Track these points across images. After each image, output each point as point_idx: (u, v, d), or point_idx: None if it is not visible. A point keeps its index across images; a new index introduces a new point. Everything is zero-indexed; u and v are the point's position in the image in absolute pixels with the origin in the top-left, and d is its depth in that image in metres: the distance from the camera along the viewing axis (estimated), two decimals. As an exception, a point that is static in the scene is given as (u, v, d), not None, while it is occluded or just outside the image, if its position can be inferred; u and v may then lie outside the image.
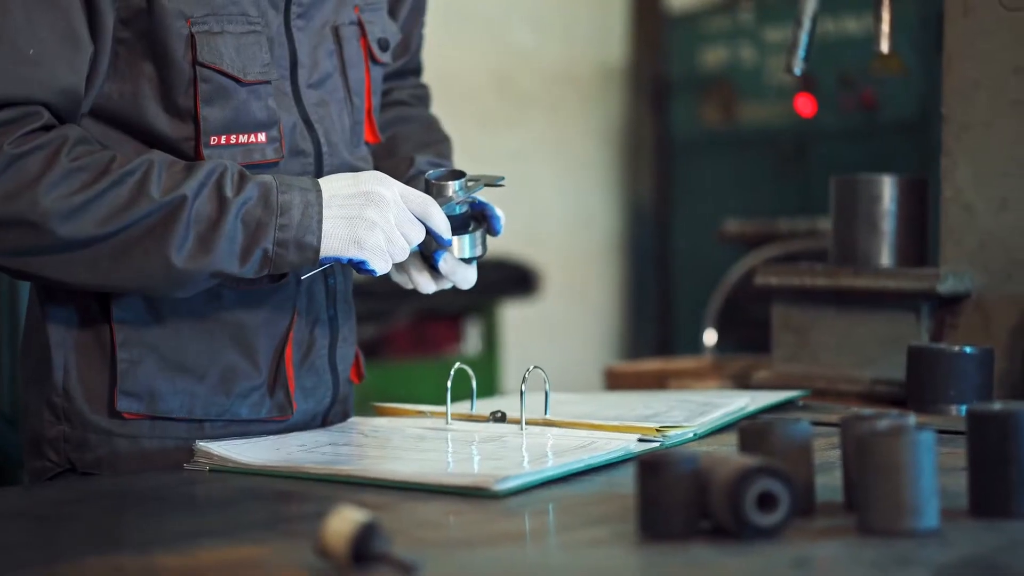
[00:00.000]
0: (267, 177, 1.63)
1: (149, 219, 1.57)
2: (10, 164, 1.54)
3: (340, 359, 1.84)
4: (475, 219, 1.78)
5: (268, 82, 1.70)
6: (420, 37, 2.04)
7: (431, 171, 1.78)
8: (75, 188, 1.55)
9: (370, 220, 1.64)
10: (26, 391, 1.75)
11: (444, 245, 1.73)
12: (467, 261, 1.78)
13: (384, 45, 1.86)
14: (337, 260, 1.66)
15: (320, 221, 1.62)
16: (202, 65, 1.66)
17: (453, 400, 1.79)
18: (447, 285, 1.81)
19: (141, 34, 1.64)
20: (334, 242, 1.64)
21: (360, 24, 1.83)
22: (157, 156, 1.61)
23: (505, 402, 1.90)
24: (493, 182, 1.75)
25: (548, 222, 5.73)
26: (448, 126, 2.04)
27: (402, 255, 1.68)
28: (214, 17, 1.66)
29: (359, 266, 1.67)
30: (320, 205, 1.63)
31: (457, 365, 1.76)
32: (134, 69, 1.66)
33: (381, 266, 1.67)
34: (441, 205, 1.70)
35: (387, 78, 1.96)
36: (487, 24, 5.44)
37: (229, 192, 1.60)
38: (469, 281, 1.78)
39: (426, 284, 1.79)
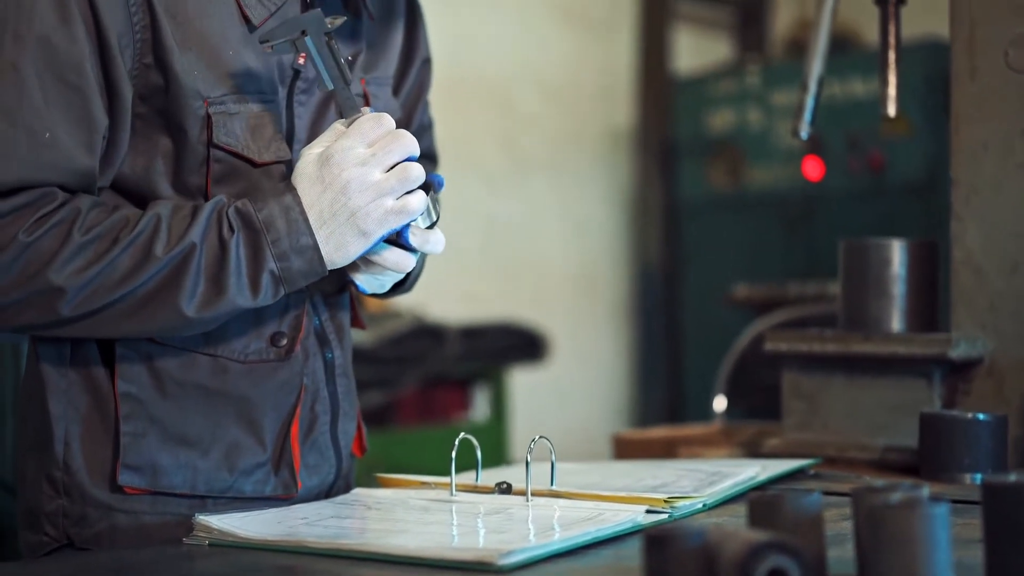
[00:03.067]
0: (243, 202, 1.61)
1: (157, 277, 1.57)
2: (24, 251, 1.54)
3: (342, 434, 1.82)
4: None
5: (281, 162, 1.69)
6: (428, 120, 2.02)
7: None
8: (89, 260, 1.55)
9: (364, 211, 1.61)
10: (23, 462, 1.73)
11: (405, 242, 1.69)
12: (429, 228, 1.73)
13: None
14: (371, 250, 1.64)
15: (306, 219, 1.60)
16: (216, 147, 1.65)
17: (459, 469, 1.76)
18: (418, 256, 1.74)
19: (158, 110, 1.64)
20: (352, 249, 1.62)
21: (365, 96, 1.82)
22: (164, 209, 1.60)
23: (511, 472, 1.88)
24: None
25: (555, 285, 5.72)
26: (455, 189, 2.02)
27: (417, 188, 1.63)
28: (231, 97, 1.66)
29: (396, 235, 1.65)
30: (300, 205, 1.60)
31: (461, 436, 1.73)
32: (149, 143, 1.65)
33: (402, 219, 1.63)
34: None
35: None
36: (494, 88, 5.45)
37: (226, 232, 1.59)
38: (441, 243, 1.71)
39: (406, 261, 1.71)
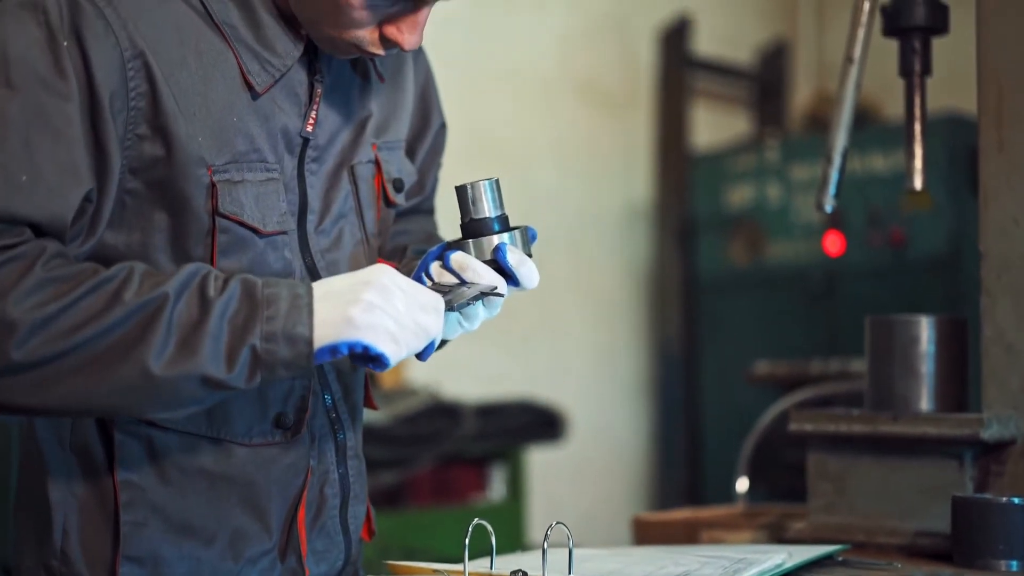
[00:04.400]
0: (251, 275, 1.52)
1: (125, 325, 1.45)
2: None
3: (352, 518, 1.75)
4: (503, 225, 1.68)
5: (285, 232, 1.64)
6: (435, 180, 2.00)
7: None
8: (48, 298, 1.44)
9: (367, 301, 1.49)
10: (19, 550, 1.66)
11: (506, 269, 1.63)
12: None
13: (399, 186, 1.81)
14: (335, 351, 1.50)
15: (311, 312, 1.48)
16: (222, 216, 1.59)
17: (474, 553, 1.69)
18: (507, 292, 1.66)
19: (154, 183, 1.58)
20: (326, 328, 1.49)
21: (377, 162, 1.77)
22: (139, 265, 1.51)
23: (527, 559, 1.81)
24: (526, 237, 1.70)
25: (573, 363, 5.66)
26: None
27: (417, 342, 1.52)
28: (235, 165, 1.60)
29: (367, 354, 1.51)
30: (310, 296, 1.50)
31: (476, 521, 1.67)
32: (142, 219, 1.59)
33: (390, 348, 1.50)
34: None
35: (399, 216, 1.90)
36: (512, 162, 5.42)
37: (212, 292, 1.48)
38: (534, 278, 1.64)
39: (502, 284, 1.63)
